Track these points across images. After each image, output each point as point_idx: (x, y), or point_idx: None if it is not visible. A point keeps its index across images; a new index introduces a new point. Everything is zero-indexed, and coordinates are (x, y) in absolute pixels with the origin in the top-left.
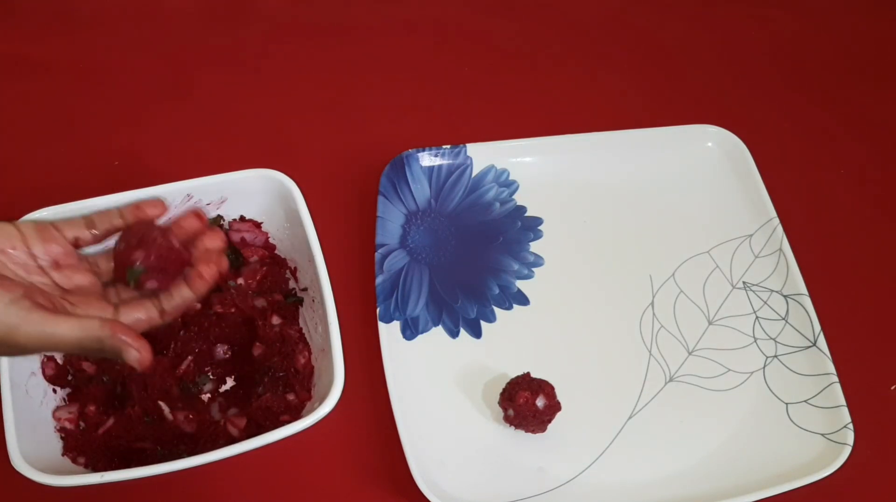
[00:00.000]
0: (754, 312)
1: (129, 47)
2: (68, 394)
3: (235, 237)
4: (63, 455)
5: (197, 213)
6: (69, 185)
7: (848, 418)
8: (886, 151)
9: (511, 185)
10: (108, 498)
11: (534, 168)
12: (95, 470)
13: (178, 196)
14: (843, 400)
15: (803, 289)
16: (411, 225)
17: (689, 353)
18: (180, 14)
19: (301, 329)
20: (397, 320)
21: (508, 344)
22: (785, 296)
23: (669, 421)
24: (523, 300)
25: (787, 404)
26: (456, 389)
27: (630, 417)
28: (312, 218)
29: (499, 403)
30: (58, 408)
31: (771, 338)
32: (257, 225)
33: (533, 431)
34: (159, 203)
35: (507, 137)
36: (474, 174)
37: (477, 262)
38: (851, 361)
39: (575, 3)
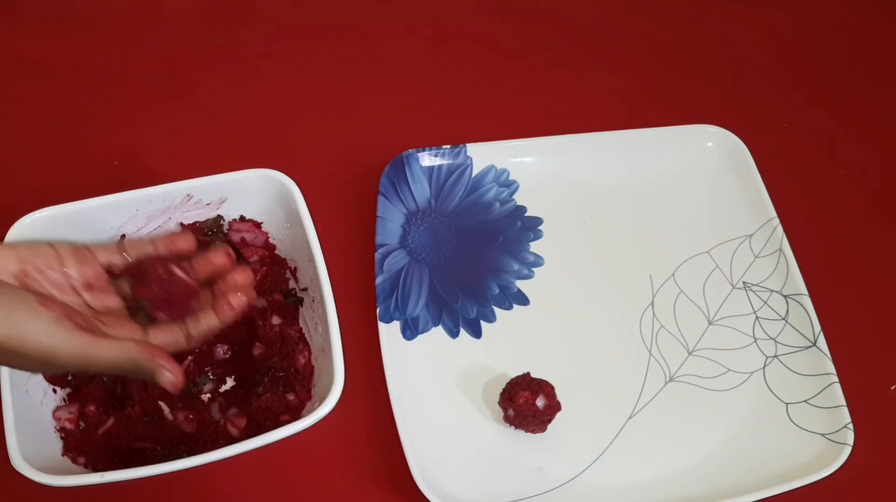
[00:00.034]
0: (754, 312)
1: (129, 47)
2: (68, 394)
3: (235, 237)
4: (63, 455)
5: (226, 251)
6: (69, 185)
7: (848, 418)
8: (886, 151)
9: (511, 185)
10: (108, 498)
11: (534, 168)
12: (95, 470)
13: (178, 196)
14: (843, 400)
15: (803, 289)
16: (411, 225)
17: (689, 353)
18: (180, 14)
19: (301, 329)
20: (397, 320)
21: (508, 344)
22: (785, 296)
23: (669, 421)
24: (523, 300)
25: (787, 404)
26: (456, 389)
27: (630, 417)
28: (312, 218)
29: (499, 403)
30: (58, 408)
31: (771, 338)
32: (257, 225)
33: (533, 431)
34: (191, 238)
35: (507, 137)
36: (474, 174)
37: (477, 262)
38: (851, 361)
39: (575, 3)
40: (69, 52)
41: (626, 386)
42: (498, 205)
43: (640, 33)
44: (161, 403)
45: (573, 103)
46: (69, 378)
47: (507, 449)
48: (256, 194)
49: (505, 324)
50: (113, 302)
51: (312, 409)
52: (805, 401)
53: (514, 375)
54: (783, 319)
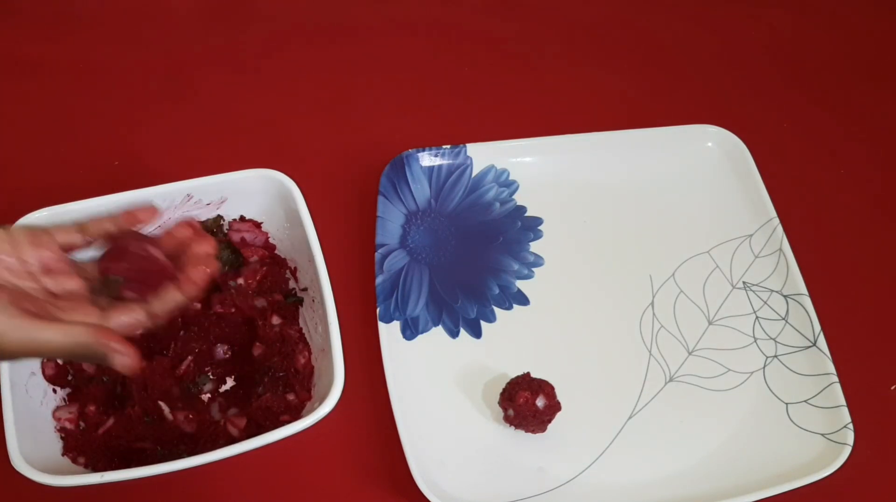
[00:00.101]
0: (754, 312)
1: (129, 47)
2: (68, 394)
3: (235, 237)
4: (63, 455)
5: (188, 222)
6: (69, 185)
7: (848, 418)
8: (886, 151)
9: (511, 185)
10: (108, 498)
11: (534, 168)
12: (95, 470)
13: (178, 196)
14: (843, 400)
15: (803, 289)
16: (411, 225)
17: (689, 353)
18: (180, 14)
19: (301, 329)
20: (397, 320)
21: (508, 344)
22: (785, 296)
23: (669, 421)
24: (523, 300)
25: (787, 404)
26: (456, 389)
27: (630, 417)
28: (312, 218)
29: (499, 403)
30: (58, 408)
31: (771, 338)
32: (257, 225)
33: (533, 431)
34: (152, 209)
35: (507, 137)
36: (474, 174)
37: (477, 262)
38: (851, 361)
39: (575, 3)
40: (69, 52)
41: (626, 386)
42: (498, 205)
43: (640, 33)
44: (161, 403)
45: (573, 103)
46: (69, 378)
47: (507, 449)
48: (256, 194)
49: (505, 324)
50: (74, 284)
51: (312, 409)
52: (805, 401)
53: (514, 375)
54: (783, 319)
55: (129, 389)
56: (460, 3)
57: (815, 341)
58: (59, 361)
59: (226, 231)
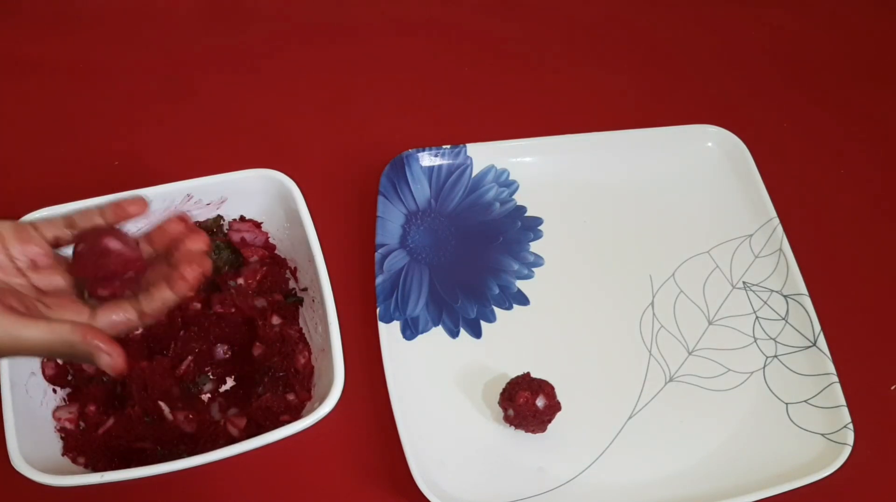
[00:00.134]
0: (754, 312)
1: (129, 47)
2: (68, 394)
3: (235, 237)
4: (63, 455)
5: (180, 217)
6: (69, 185)
7: (848, 418)
8: (886, 151)
9: (511, 185)
10: (108, 498)
11: (534, 168)
12: (95, 470)
13: (178, 196)
14: (843, 400)
15: (803, 289)
16: (411, 225)
17: (689, 353)
18: (180, 14)
19: (301, 329)
20: (397, 320)
21: (508, 344)
22: (785, 296)
23: (669, 421)
24: (523, 300)
25: (787, 404)
26: (456, 389)
27: (630, 417)
28: (312, 218)
29: (499, 403)
30: (58, 408)
31: (771, 338)
32: (257, 225)
33: (533, 431)
34: (140, 201)
35: (507, 137)
36: (474, 174)
37: (477, 262)
38: (851, 361)
39: (575, 3)
40: (69, 52)
41: (626, 386)
42: (498, 205)
43: (640, 33)
44: (161, 403)
45: (573, 103)
46: (69, 378)
47: (507, 449)
48: (256, 194)
49: (505, 324)
50: (62, 280)
51: (312, 409)
52: (805, 401)
53: (514, 375)
54: (783, 319)
55: (129, 389)
56: (460, 3)
57: (815, 341)
58: (59, 361)
59: (226, 231)
